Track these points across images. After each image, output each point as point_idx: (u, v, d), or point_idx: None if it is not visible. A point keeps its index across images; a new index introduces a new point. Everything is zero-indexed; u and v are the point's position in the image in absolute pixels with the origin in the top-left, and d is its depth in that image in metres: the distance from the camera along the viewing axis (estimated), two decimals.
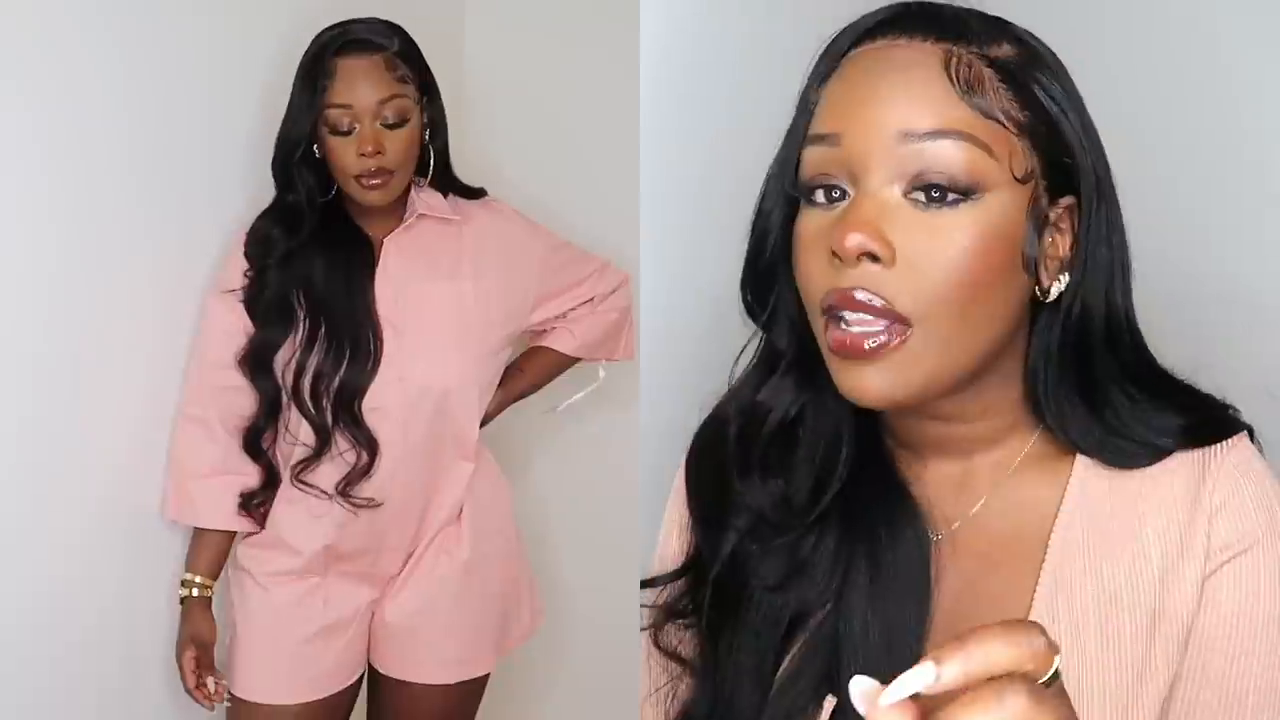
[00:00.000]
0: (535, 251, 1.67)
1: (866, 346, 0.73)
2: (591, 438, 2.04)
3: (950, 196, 0.73)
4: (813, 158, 0.77)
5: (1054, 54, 0.79)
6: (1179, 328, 0.88)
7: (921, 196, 0.73)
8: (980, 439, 0.82)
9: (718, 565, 0.86)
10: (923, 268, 0.73)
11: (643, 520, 1.37)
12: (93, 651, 1.48)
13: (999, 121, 0.74)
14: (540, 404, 1.82)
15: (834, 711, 0.78)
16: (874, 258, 0.73)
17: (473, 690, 1.66)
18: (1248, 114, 1.31)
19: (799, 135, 0.79)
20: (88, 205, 1.40)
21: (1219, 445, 0.79)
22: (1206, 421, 0.81)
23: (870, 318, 0.73)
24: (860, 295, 0.73)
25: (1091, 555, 0.79)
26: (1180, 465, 0.79)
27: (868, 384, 0.74)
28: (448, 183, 1.61)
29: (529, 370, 1.72)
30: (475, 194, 1.65)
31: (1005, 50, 0.76)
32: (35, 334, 1.36)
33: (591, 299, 1.73)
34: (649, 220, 1.32)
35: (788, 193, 0.80)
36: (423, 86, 1.53)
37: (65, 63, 1.36)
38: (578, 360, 1.76)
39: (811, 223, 0.77)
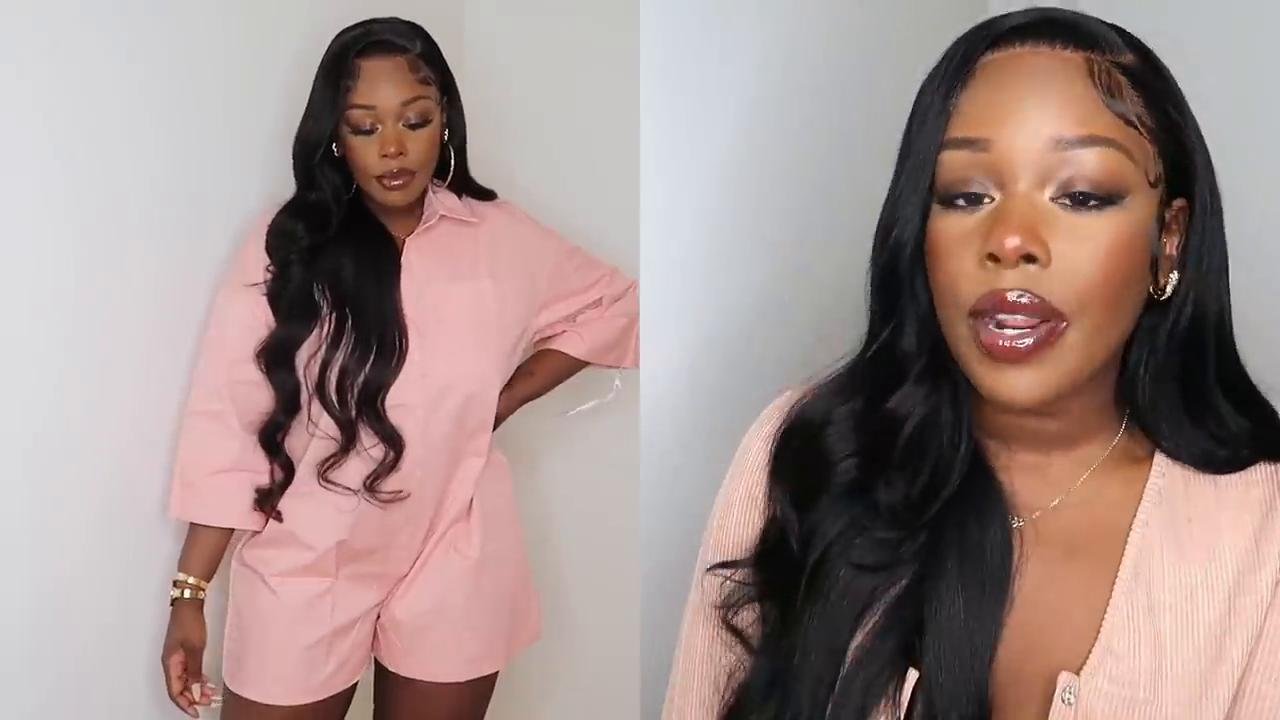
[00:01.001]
0: (548, 254, 1.69)
1: (1021, 347, 0.77)
2: (597, 441, 2.06)
3: (1094, 201, 0.77)
4: (956, 161, 0.79)
5: (1164, 64, 0.83)
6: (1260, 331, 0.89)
7: (1069, 201, 0.77)
8: (1067, 435, 0.86)
9: (815, 554, 0.88)
10: (1075, 268, 0.76)
11: (644, 524, 1.37)
12: (98, 652, 1.49)
13: (1135, 127, 0.78)
14: (548, 407, 1.83)
15: (915, 683, 0.81)
16: (1031, 259, 0.76)
17: (483, 689, 1.67)
18: None
19: (933, 140, 0.81)
20: (97, 206, 1.41)
21: None
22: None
23: (1023, 318, 0.77)
24: (1015, 296, 0.76)
25: (1169, 552, 0.82)
26: (1258, 479, 0.83)
27: (1017, 387, 0.78)
28: (464, 184, 1.63)
29: (539, 373, 1.73)
30: (487, 195, 1.67)
31: (1131, 58, 0.80)
32: (41, 333, 1.37)
33: (599, 301, 1.76)
34: (649, 221, 1.32)
35: (924, 196, 0.82)
36: (443, 87, 1.55)
37: (80, 60, 1.37)
38: (586, 365, 1.77)
39: (953, 227, 0.80)
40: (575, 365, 1.76)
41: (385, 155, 1.47)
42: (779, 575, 0.90)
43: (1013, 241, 0.75)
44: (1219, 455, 0.83)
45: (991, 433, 0.88)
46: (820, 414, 0.93)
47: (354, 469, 1.51)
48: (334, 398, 1.48)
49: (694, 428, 1.40)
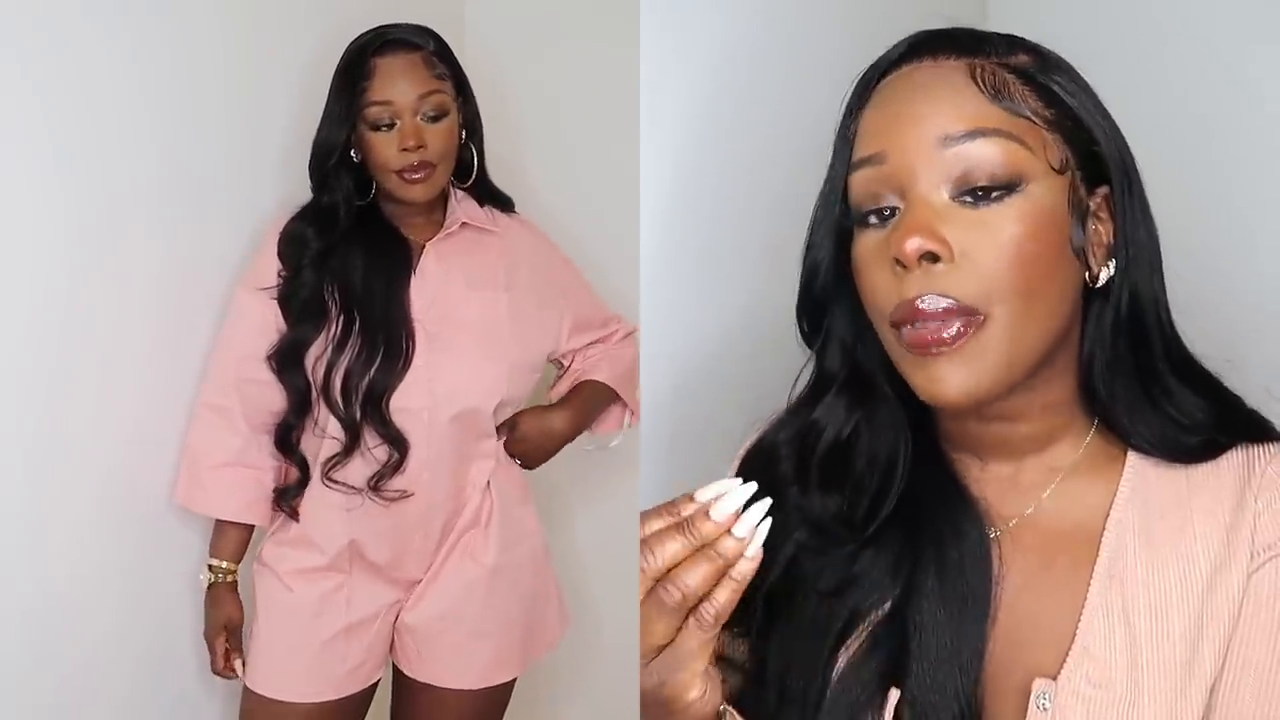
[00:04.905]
0: (569, 278, 1.72)
1: (945, 336, 0.78)
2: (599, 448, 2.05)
3: (995, 192, 0.79)
4: (860, 180, 0.83)
5: (1066, 61, 0.86)
6: (1203, 324, 0.91)
7: (969, 197, 0.79)
8: (1036, 438, 0.88)
9: (771, 577, 0.90)
10: (981, 260, 0.78)
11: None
12: (104, 647, 1.51)
13: (1028, 119, 0.80)
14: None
15: (898, 703, 0.83)
16: (934, 257, 0.78)
17: (499, 696, 1.68)
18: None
19: (843, 165, 0.85)
20: (100, 204, 1.43)
21: (1263, 452, 0.84)
22: (1241, 419, 0.86)
23: (937, 323, 0.78)
24: (926, 303, 0.78)
25: (1143, 552, 0.84)
26: (1227, 467, 0.84)
27: (948, 383, 0.79)
28: (484, 189, 1.65)
29: (575, 404, 1.72)
30: (508, 204, 1.69)
31: (1022, 59, 0.84)
32: (44, 333, 1.39)
33: (606, 338, 1.78)
34: (649, 225, 1.33)
35: (838, 222, 0.86)
36: (458, 85, 1.57)
37: (83, 64, 1.39)
38: (618, 398, 1.76)
39: (869, 242, 0.83)
40: (608, 392, 1.75)
41: (405, 149, 1.49)
42: (746, 606, 0.91)
43: (912, 243, 0.78)
44: (1187, 442, 0.85)
45: (960, 445, 0.90)
46: (771, 440, 0.96)
47: (358, 470, 1.53)
48: (339, 399, 1.50)
49: (694, 434, 1.40)
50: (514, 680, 1.68)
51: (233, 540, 1.58)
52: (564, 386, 1.75)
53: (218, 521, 1.58)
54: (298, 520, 1.56)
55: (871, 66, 0.87)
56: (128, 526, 1.53)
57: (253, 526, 1.59)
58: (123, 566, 1.53)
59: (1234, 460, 0.84)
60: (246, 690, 1.57)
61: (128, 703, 1.55)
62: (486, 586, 1.61)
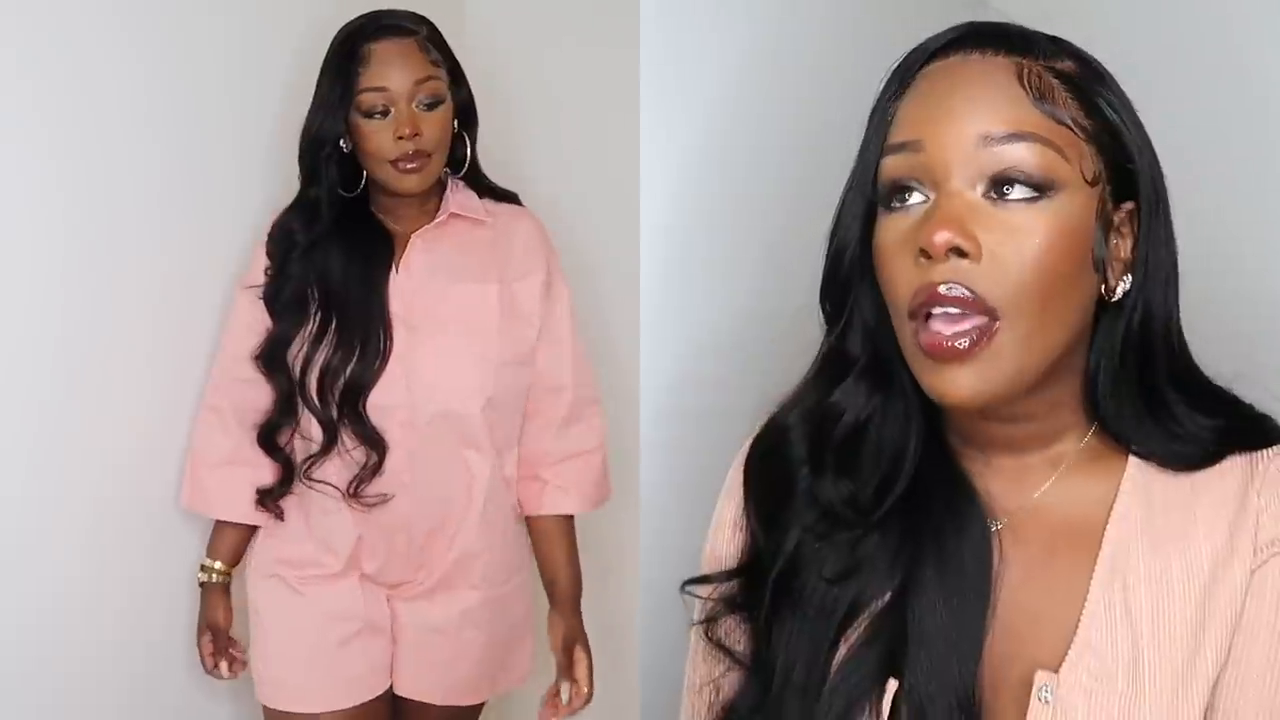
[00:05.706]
0: (561, 283, 1.63)
1: (959, 346, 0.79)
2: None
3: (1028, 194, 0.80)
4: (893, 165, 0.84)
5: (1109, 73, 0.87)
6: (1217, 332, 0.91)
7: (1000, 196, 0.80)
8: (1039, 436, 0.89)
9: (780, 563, 0.91)
10: (1006, 261, 0.79)
11: (645, 541, 1.37)
12: (117, 643, 1.53)
13: (1068, 127, 0.81)
14: None
15: (896, 693, 0.84)
16: (961, 253, 0.79)
17: (469, 714, 1.68)
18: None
19: (876, 148, 0.86)
20: (102, 204, 1.44)
21: (1267, 451, 0.85)
22: (1251, 429, 0.87)
23: (958, 311, 0.79)
24: (946, 288, 0.79)
25: (1146, 548, 0.85)
26: (1230, 469, 0.85)
27: (958, 385, 0.80)
28: (480, 180, 1.62)
29: (560, 575, 1.64)
30: (509, 196, 1.65)
31: (1068, 64, 0.84)
32: (42, 333, 1.40)
33: (564, 389, 1.64)
34: (650, 220, 1.33)
35: (867, 202, 0.86)
36: (452, 72, 1.54)
37: (83, 63, 1.40)
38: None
39: (894, 228, 0.83)
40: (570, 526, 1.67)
41: (400, 137, 1.46)
42: (754, 591, 0.93)
43: (941, 236, 0.78)
44: (1183, 452, 0.86)
45: (965, 439, 0.91)
46: (781, 421, 0.96)
47: (337, 471, 1.51)
48: (314, 397, 1.48)
49: (693, 434, 1.40)
50: (484, 702, 1.67)
51: (229, 542, 1.58)
52: (528, 492, 1.64)
53: (216, 522, 1.58)
54: (282, 520, 1.55)
55: (915, 51, 0.87)
56: (132, 526, 1.53)
57: (250, 530, 1.58)
58: (127, 567, 1.53)
59: (1238, 460, 0.85)
60: (267, 710, 1.55)
61: (132, 703, 1.55)
62: (479, 613, 1.59)
